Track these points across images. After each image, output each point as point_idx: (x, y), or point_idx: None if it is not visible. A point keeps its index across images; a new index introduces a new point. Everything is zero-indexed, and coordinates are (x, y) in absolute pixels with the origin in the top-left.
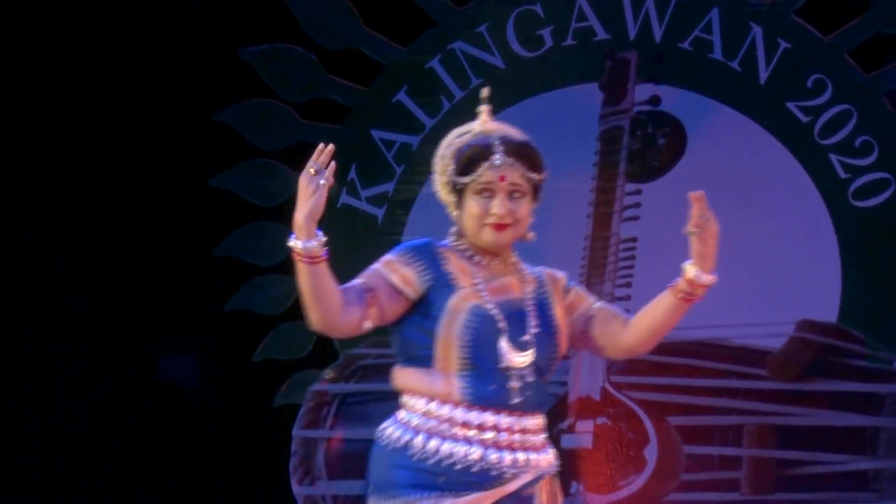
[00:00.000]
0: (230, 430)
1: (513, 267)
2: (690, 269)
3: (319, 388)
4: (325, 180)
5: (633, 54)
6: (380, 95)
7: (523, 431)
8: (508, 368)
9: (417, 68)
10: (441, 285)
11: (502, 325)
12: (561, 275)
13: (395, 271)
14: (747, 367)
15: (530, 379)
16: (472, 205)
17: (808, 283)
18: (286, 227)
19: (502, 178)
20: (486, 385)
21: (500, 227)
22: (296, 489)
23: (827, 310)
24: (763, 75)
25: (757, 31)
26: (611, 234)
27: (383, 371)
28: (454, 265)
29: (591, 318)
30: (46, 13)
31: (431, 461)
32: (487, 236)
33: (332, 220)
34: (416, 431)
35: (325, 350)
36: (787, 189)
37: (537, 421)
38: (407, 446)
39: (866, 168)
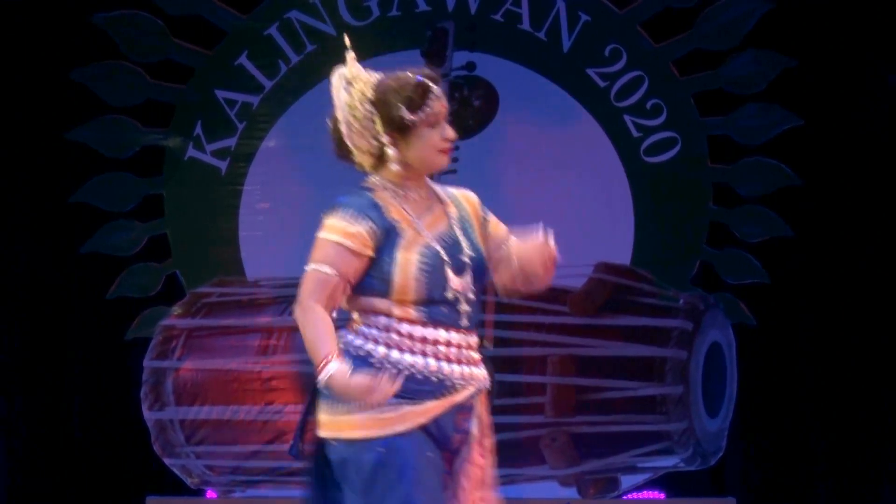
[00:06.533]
0: (86, 361)
1: (430, 191)
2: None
3: (168, 323)
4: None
5: (451, 24)
6: (222, 59)
7: (467, 347)
8: (456, 294)
9: (257, 34)
10: (389, 235)
11: (445, 257)
12: (473, 197)
13: (353, 238)
14: (551, 304)
15: (472, 297)
16: (430, 135)
17: (605, 230)
18: (136, 178)
19: (444, 106)
20: (439, 309)
21: (448, 150)
22: (146, 414)
23: (621, 253)
24: (566, 44)
25: (561, 5)
26: None
27: (226, 308)
28: (393, 211)
29: (502, 255)
30: None
31: (392, 370)
32: (443, 161)
33: (179, 171)
34: (377, 342)
35: (173, 288)
36: (587, 146)
37: (476, 338)
38: (369, 354)
39: (656, 128)
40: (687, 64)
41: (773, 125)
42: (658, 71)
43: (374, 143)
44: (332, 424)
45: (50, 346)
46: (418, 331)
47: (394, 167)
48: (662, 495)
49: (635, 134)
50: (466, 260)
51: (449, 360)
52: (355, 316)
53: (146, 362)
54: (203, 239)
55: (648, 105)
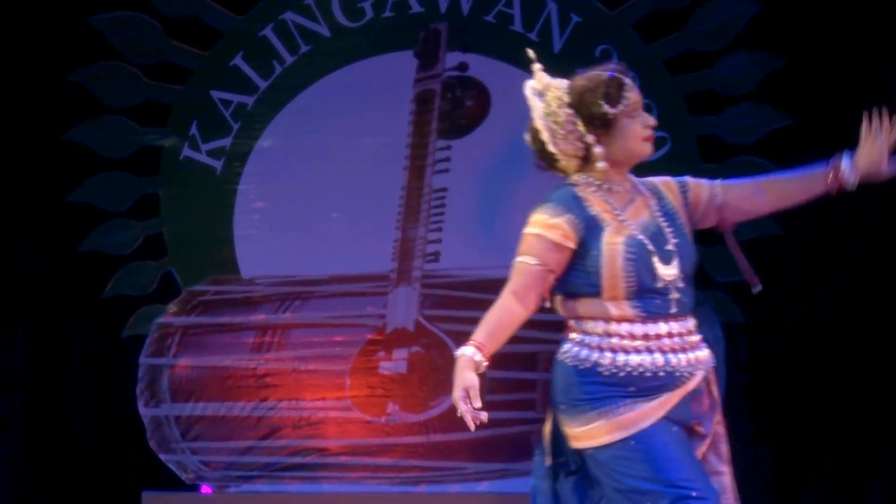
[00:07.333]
0: (82, 358)
1: (631, 185)
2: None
3: (164, 321)
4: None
5: (444, 25)
6: (218, 60)
7: (687, 333)
8: (666, 283)
9: (252, 35)
10: (591, 227)
11: (651, 246)
12: (668, 180)
13: (553, 229)
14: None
15: (681, 285)
16: (632, 125)
17: None
18: (134, 177)
19: (639, 95)
20: (653, 300)
21: (651, 138)
22: (142, 410)
23: None
24: (557, 45)
25: (552, 6)
26: (424, 184)
27: (221, 305)
28: (595, 204)
29: (721, 199)
30: None
31: (622, 374)
32: (647, 149)
33: (175, 171)
34: (601, 350)
35: (169, 286)
36: None
37: (693, 322)
38: (596, 364)
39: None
40: (678, 64)
41: (762, 125)
42: (649, 71)
43: (580, 144)
44: (582, 435)
45: (47, 344)
46: (638, 328)
47: (601, 165)
48: None
49: None
50: (672, 248)
51: (674, 351)
52: (572, 323)
53: (142, 359)
54: (199, 238)
55: None
